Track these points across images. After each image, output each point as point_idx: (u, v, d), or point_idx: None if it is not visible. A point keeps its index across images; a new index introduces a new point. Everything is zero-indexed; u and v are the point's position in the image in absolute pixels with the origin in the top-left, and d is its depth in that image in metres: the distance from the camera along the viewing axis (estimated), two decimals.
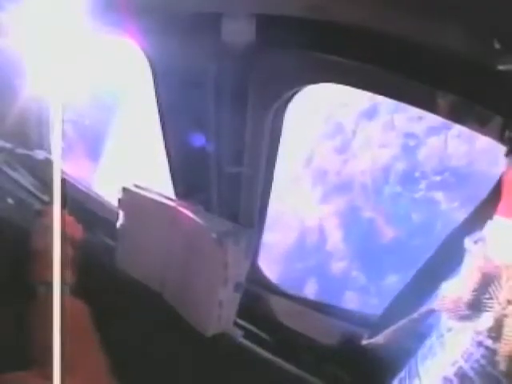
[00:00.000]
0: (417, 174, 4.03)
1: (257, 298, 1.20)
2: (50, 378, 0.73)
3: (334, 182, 4.41)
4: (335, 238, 4.26)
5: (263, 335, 1.17)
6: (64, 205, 0.85)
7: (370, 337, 0.80)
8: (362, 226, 4.13)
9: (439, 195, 3.85)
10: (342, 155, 4.44)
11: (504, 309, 0.49)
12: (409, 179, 4.05)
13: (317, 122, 4.59)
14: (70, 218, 1.10)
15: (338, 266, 4.13)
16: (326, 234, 4.32)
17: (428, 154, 4.02)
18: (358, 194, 4.25)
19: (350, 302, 3.77)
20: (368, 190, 4.21)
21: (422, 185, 3.97)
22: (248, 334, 1.15)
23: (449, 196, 3.78)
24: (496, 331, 0.49)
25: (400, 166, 4.13)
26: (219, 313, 1.04)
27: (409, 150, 4.12)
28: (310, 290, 3.99)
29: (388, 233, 3.96)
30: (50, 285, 0.83)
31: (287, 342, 1.15)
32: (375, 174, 4.20)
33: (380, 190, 4.15)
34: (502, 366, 0.49)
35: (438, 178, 3.91)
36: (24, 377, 0.79)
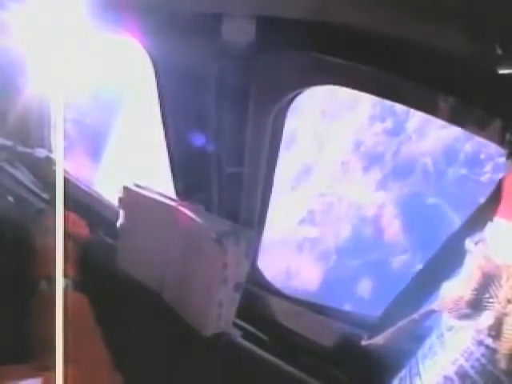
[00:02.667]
0: (482, 156, 3.71)
1: (256, 298, 1.20)
2: (50, 369, 0.74)
3: (390, 166, 4.00)
4: (394, 228, 3.82)
5: (262, 336, 1.17)
6: (68, 204, 0.86)
7: (370, 337, 0.80)
8: (425, 213, 3.69)
9: None
10: (395, 137, 4.08)
11: (504, 308, 0.49)
12: (473, 161, 3.72)
13: (363, 106, 4.23)
14: (73, 216, 1.11)
15: (397, 260, 3.72)
16: (383, 225, 3.88)
17: None
18: (418, 179, 3.84)
19: None
20: (430, 173, 3.84)
21: (488, 167, 3.66)
22: (247, 334, 1.15)
23: None
24: (496, 330, 0.50)
25: (463, 148, 3.79)
26: (219, 313, 1.04)
27: None
28: (365, 288, 3.61)
29: (454, 220, 3.57)
30: (51, 280, 0.84)
31: (286, 342, 1.14)
32: (436, 156, 3.83)
33: (443, 173, 3.77)
34: (502, 365, 0.49)
35: (503, 160, 3.69)
36: (24, 369, 0.79)
